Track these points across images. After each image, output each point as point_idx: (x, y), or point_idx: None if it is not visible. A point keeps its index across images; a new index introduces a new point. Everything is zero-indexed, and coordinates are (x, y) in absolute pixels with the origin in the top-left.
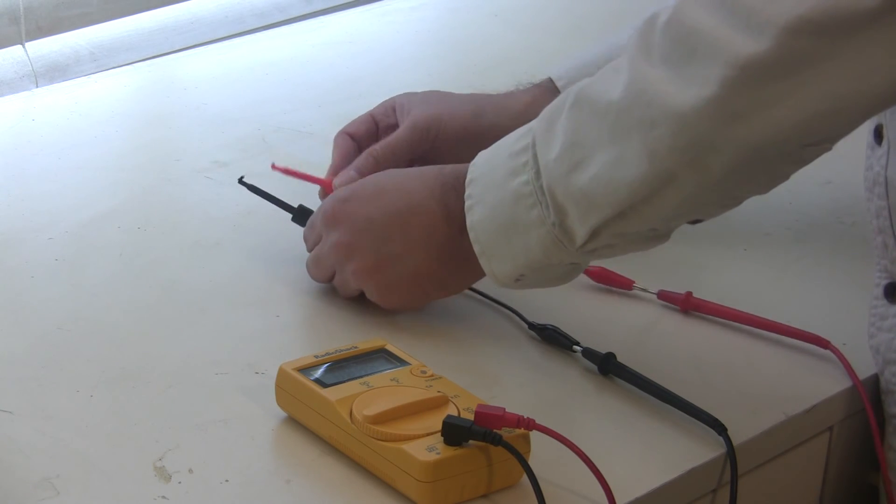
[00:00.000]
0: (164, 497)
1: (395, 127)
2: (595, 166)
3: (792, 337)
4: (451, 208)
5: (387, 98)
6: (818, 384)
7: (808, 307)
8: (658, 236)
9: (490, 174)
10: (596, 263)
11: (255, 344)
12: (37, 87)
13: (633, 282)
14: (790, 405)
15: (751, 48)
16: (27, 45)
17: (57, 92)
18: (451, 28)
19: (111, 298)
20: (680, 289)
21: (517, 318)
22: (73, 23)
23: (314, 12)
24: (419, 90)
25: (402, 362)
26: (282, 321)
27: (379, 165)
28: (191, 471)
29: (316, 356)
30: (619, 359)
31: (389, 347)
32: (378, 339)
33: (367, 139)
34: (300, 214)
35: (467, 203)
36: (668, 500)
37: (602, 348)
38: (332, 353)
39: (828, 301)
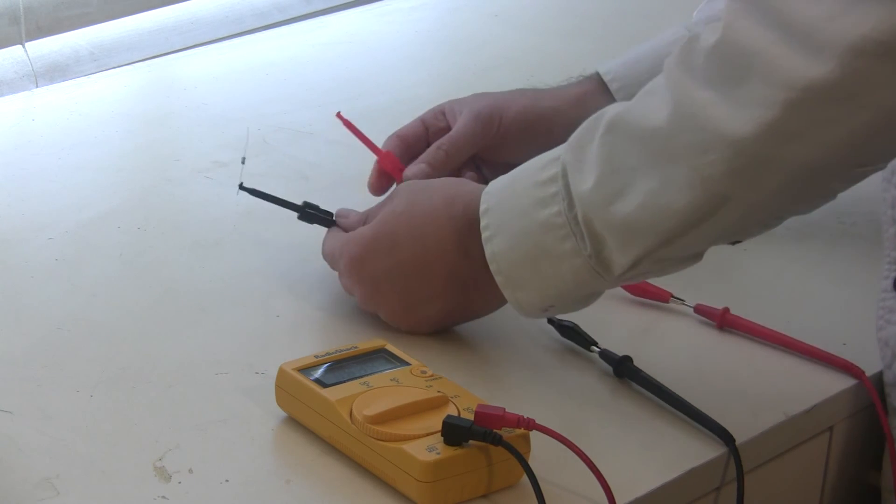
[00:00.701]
0: (164, 497)
1: (446, 130)
2: (639, 195)
3: (826, 362)
4: (468, 245)
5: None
6: (818, 384)
7: (808, 307)
8: (694, 257)
9: (511, 203)
10: None
11: (255, 344)
12: (37, 87)
13: (671, 294)
14: (790, 405)
15: (812, 70)
16: (27, 45)
17: (57, 92)
18: (451, 28)
19: (111, 298)
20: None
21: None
22: (73, 23)
23: (314, 12)
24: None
25: (402, 362)
26: (282, 321)
27: (449, 158)
28: (191, 471)
29: (316, 356)
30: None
31: (389, 347)
32: (378, 339)
33: (417, 142)
34: (306, 212)
35: (484, 234)
36: (669, 501)
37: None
38: (332, 353)
39: (828, 301)
